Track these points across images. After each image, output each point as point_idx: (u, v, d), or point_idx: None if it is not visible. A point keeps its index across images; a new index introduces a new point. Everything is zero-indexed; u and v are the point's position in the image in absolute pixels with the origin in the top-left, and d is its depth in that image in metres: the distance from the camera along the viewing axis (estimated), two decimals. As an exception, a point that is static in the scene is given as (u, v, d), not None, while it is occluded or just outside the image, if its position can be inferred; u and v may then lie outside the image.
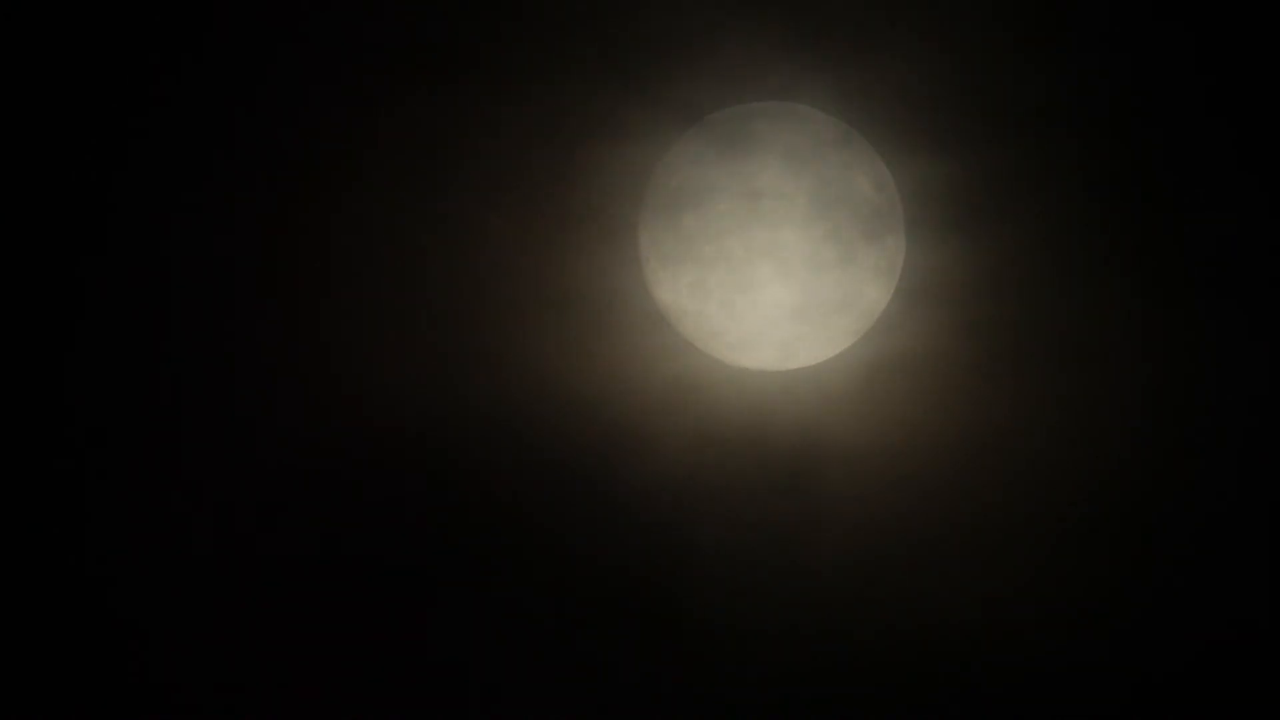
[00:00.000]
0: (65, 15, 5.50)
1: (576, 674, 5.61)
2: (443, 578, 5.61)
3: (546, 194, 5.48)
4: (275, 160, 5.52)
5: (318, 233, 5.54)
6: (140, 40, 5.50)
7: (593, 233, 5.48)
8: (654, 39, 5.42)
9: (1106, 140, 5.45)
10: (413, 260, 5.55)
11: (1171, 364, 5.48)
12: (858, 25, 5.37)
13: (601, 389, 5.50)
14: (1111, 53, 5.40)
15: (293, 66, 5.50)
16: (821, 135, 5.31)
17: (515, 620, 5.61)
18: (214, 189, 5.53)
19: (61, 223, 5.54)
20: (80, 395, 5.56)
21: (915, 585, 5.59)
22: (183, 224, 5.54)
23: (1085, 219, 5.47)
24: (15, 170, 5.52)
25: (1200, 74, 5.42)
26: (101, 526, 5.57)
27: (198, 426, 5.58)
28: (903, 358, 5.50)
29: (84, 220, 5.55)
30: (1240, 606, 5.52)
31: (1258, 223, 5.44)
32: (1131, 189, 5.47)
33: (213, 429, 5.57)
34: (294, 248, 5.54)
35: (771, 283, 5.20)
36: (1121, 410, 5.51)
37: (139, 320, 5.57)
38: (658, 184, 5.36)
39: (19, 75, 5.52)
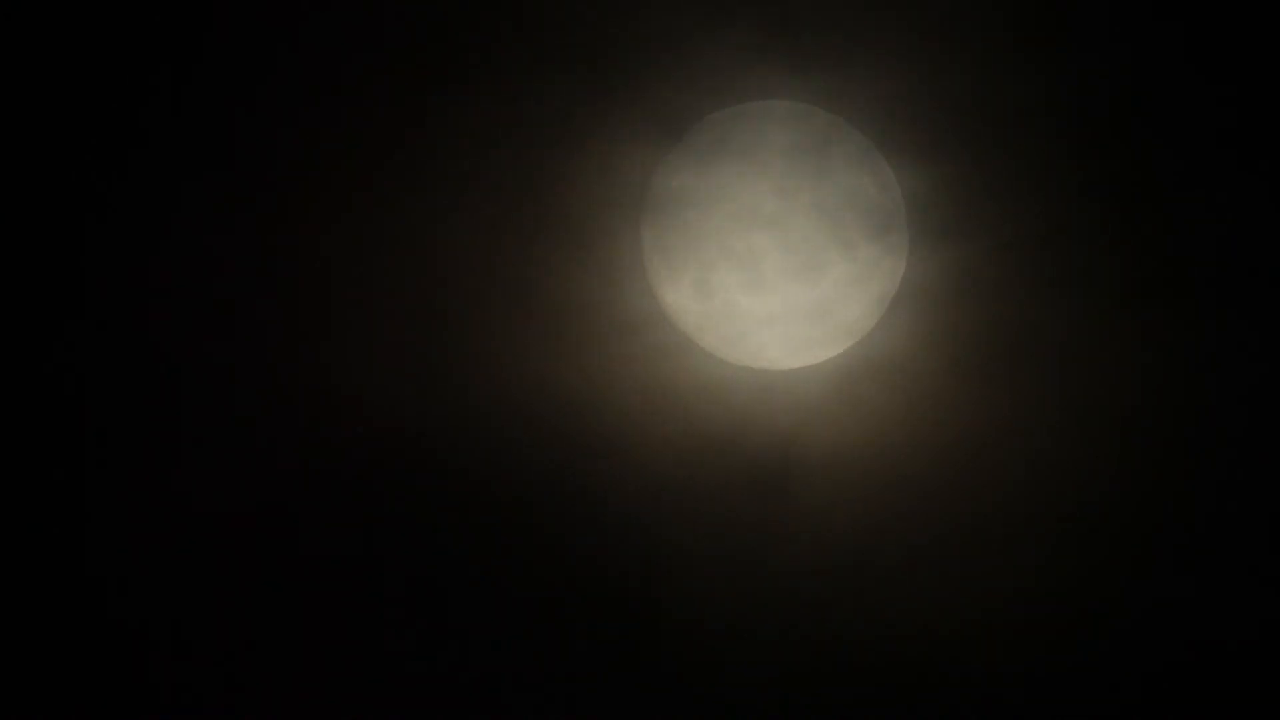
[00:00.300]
0: (68, 18, 5.50)
1: (566, 672, 5.62)
2: (435, 578, 5.62)
3: (549, 195, 5.49)
4: (274, 165, 5.53)
5: (320, 237, 5.54)
6: (127, 52, 5.51)
7: (594, 233, 5.49)
8: (652, 39, 5.42)
9: (1086, 146, 5.45)
10: (412, 262, 5.56)
11: (1155, 367, 5.49)
12: (849, 28, 5.38)
13: (604, 388, 5.51)
14: (1096, 56, 5.40)
15: (290, 71, 5.50)
16: (823, 136, 5.32)
17: (510, 620, 5.62)
18: (208, 194, 5.54)
19: (62, 224, 5.55)
20: (80, 396, 5.57)
21: (914, 586, 5.60)
22: (176, 228, 5.55)
23: (1066, 224, 5.48)
24: (20, 172, 5.54)
25: (1192, 74, 5.43)
26: (101, 527, 5.58)
27: (195, 427, 5.59)
28: (903, 358, 5.51)
29: (85, 223, 5.55)
30: (1231, 613, 5.52)
31: (1244, 227, 5.45)
32: (1111, 195, 5.48)
33: (208, 431, 5.58)
34: (294, 251, 5.54)
35: (774, 282, 5.22)
36: (1106, 414, 5.52)
37: (138, 321, 5.58)
38: (659, 184, 5.37)
39: (32, 77, 5.54)
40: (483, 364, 5.54)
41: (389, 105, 5.50)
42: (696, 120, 5.39)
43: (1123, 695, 5.56)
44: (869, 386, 5.51)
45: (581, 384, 5.50)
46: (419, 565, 5.62)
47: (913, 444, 5.51)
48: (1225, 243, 5.46)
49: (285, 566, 5.60)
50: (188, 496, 5.58)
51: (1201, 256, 5.46)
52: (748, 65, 5.39)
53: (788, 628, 5.61)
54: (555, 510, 5.60)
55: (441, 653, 5.64)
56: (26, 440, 5.56)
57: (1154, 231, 5.48)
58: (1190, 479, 5.52)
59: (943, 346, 5.49)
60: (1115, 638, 5.54)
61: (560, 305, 5.49)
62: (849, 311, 5.35)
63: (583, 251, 5.47)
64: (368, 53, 5.49)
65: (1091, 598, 5.56)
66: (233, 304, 5.55)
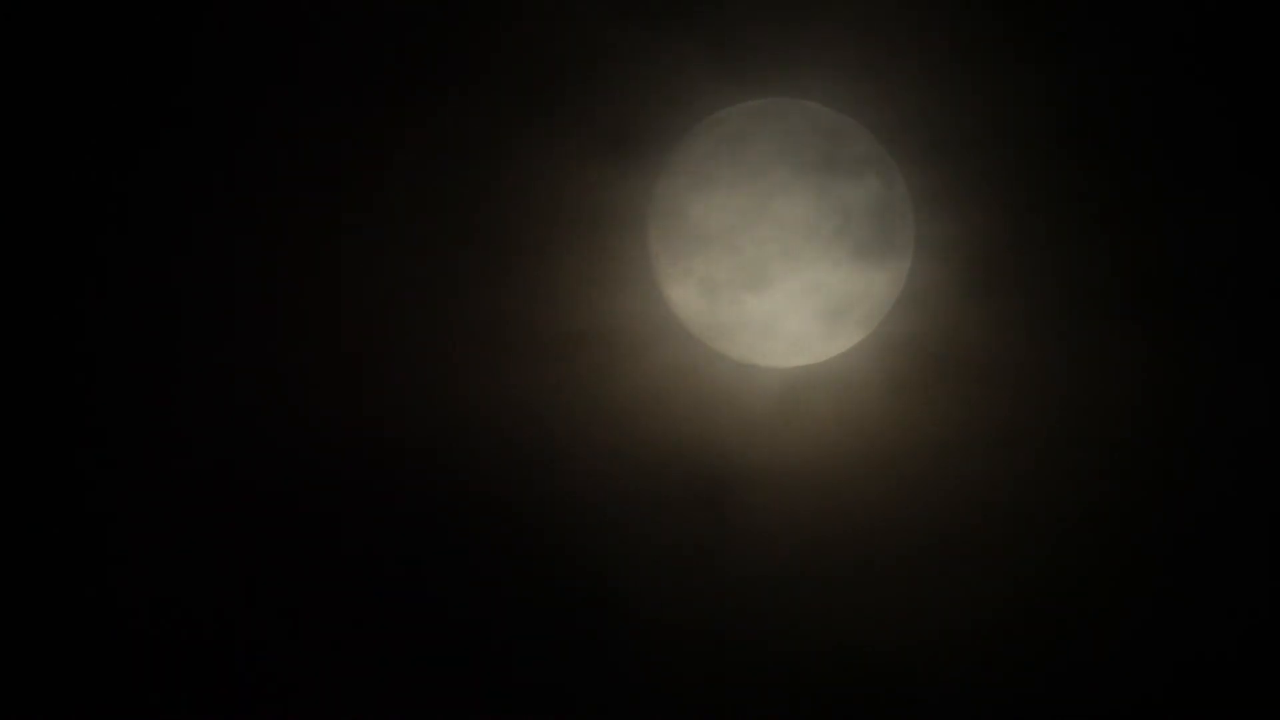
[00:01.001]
0: (76, 27, 5.52)
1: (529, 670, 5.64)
2: (415, 576, 5.63)
3: (556, 196, 5.50)
4: (213, 187, 5.54)
5: (341, 240, 5.56)
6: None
7: (602, 229, 5.51)
8: (653, 39, 5.45)
9: (1029, 161, 5.49)
10: (415, 262, 5.57)
11: (1114, 379, 5.52)
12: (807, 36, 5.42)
13: (615, 386, 5.52)
14: (1035, 70, 5.45)
15: (290, 82, 5.52)
16: (827, 136, 5.35)
17: (484, 616, 5.63)
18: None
19: (72, 229, 5.55)
20: (80, 398, 5.57)
21: (913, 590, 5.61)
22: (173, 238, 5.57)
23: (1022, 236, 5.51)
24: (25, 175, 5.54)
25: (1133, 93, 5.49)
26: (99, 524, 5.58)
27: (191, 428, 5.59)
28: (908, 356, 5.54)
29: (91, 230, 5.57)
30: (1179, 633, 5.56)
31: (1191, 243, 5.50)
32: (1055, 209, 5.51)
33: (202, 433, 5.59)
34: (301, 255, 5.56)
35: (781, 280, 5.24)
36: (1078, 424, 5.55)
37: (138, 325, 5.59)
38: (663, 182, 5.39)
39: (36, 83, 5.54)
40: (418, 379, 5.56)
41: (411, 115, 5.52)
42: (698, 120, 5.43)
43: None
44: (872, 388, 5.54)
45: (591, 385, 5.52)
46: (392, 567, 5.64)
47: (916, 443, 5.53)
48: (1155, 262, 5.51)
49: (256, 569, 5.61)
50: (182, 495, 5.60)
51: (1128, 275, 5.51)
52: (705, 77, 5.43)
53: (736, 632, 5.62)
54: (551, 509, 5.61)
55: (393, 651, 5.64)
56: (34, 441, 5.55)
57: (1079, 251, 5.52)
58: (1153, 490, 5.56)
59: (956, 341, 5.51)
60: (1069, 650, 5.57)
61: (516, 319, 5.52)
62: (857, 309, 5.39)
63: (592, 249, 5.49)
64: (332, 71, 5.52)
65: (1045, 610, 5.58)
66: (174, 324, 5.56)
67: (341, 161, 5.52)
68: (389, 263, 5.55)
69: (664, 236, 5.34)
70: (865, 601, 5.58)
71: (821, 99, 5.40)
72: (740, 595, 5.59)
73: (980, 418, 5.52)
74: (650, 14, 5.40)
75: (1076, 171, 5.51)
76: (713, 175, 5.27)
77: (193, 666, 5.56)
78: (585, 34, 5.42)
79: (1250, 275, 5.50)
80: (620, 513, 5.55)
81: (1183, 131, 5.50)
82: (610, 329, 5.48)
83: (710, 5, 5.41)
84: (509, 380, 5.53)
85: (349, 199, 5.53)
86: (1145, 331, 5.51)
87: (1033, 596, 5.56)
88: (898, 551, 5.57)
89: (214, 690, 5.55)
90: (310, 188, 5.54)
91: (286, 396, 5.55)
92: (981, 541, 5.55)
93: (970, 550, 5.56)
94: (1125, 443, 5.54)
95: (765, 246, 5.22)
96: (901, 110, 5.42)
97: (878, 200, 5.33)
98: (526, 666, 5.60)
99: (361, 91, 5.51)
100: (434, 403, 5.55)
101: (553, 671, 5.60)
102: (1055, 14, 5.44)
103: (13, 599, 5.51)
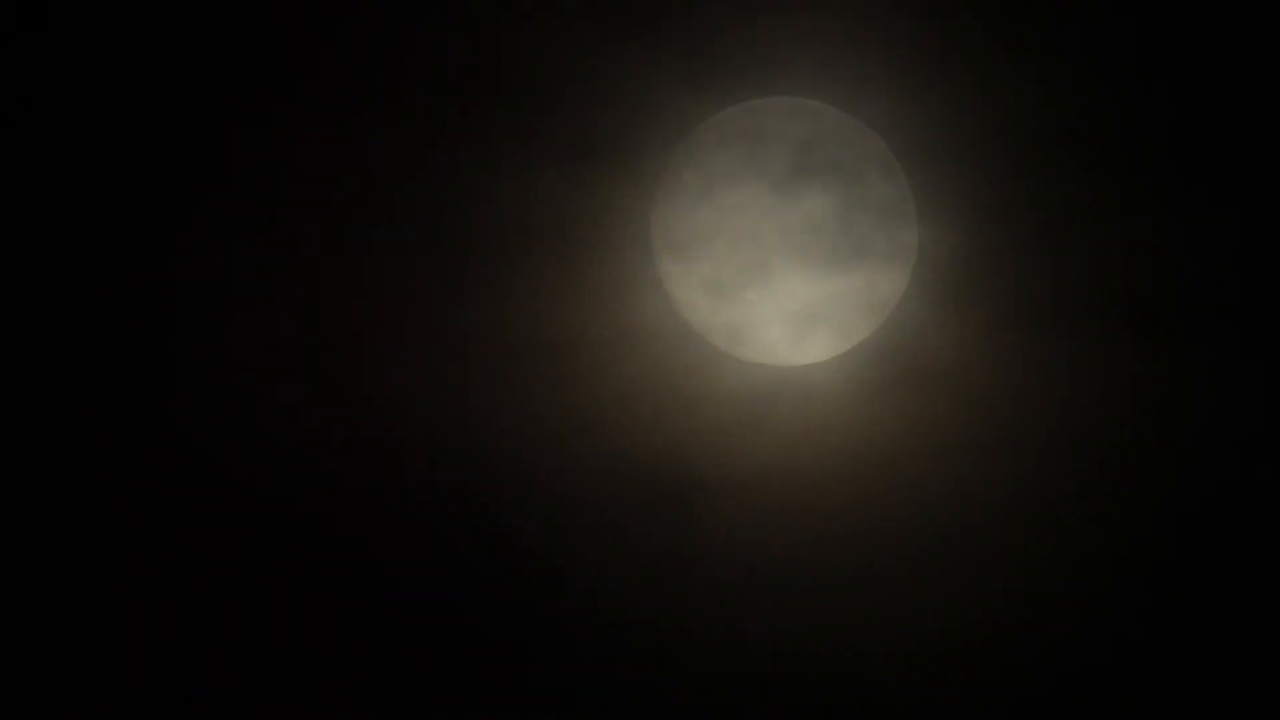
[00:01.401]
0: (81, 32, 5.51)
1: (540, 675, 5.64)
2: (411, 576, 5.63)
3: (563, 197, 5.50)
4: (187, 196, 5.54)
5: (343, 244, 5.56)
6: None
7: (604, 234, 5.51)
8: (652, 43, 5.45)
9: (1028, 163, 5.51)
10: (413, 266, 5.57)
11: (1087, 388, 5.54)
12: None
13: (621, 382, 5.52)
14: (1034, 71, 5.46)
15: (285, 94, 5.51)
16: (825, 139, 5.35)
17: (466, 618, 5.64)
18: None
19: (73, 228, 5.54)
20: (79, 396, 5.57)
21: (908, 592, 5.62)
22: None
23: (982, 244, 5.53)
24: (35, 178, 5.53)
25: (1132, 93, 5.50)
26: (98, 524, 5.57)
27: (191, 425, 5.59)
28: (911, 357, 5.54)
29: (97, 234, 5.56)
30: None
31: (1189, 244, 5.53)
32: (1052, 211, 5.53)
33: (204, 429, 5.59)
34: (302, 259, 5.55)
35: (783, 279, 5.25)
36: (1058, 429, 5.56)
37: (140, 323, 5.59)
38: (659, 187, 5.40)
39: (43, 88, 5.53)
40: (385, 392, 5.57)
41: (416, 117, 5.52)
42: (699, 121, 5.43)
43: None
44: (872, 388, 5.55)
45: (598, 387, 5.51)
46: (390, 568, 5.64)
47: (916, 446, 5.55)
48: (1190, 255, 5.53)
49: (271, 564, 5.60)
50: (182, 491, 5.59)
51: (1162, 271, 5.53)
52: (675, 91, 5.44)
53: (733, 634, 5.63)
54: (508, 514, 5.62)
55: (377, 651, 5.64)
56: (28, 440, 5.54)
57: (1110, 247, 5.53)
58: (1150, 492, 5.58)
59: (961, 344, 5.52)
60: (1035, 659, 5.59)
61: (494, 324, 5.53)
62: (861, 308, 5.40)
63: (597, 247, 5.49)
64: (331, 83, 5.52)
65: (1023, 615, 5.58)
66: (173, 326, 5.56)
67: (345, 167, 5.52)
68: (390, 267, 5.55)
69: (651, 242, 5.35)
70: (863, 603, 5.59)
71: (821, 100, 5.41)
72: (739, 596, 5.60)
73: (979, 421, 5.53)
74: (648, 18, 5.41)
75: (1076, 172, 5.52)
76: (710, 178, 5.27)
77: (192, 665, 5.55)
78: (581, 42, 5.42)
79: (1249, 276, 5.52)
80: (619, 514, 5.56)
81: (1180, 132, 5.51)
82: (609, 331, 5.49)
83: (710, 9, 5.42)
84: (505, 383, 5.54)
85: (353, 203, 5.53)
86: (1142, 333, 5.52)
87: (1012, 602, 5.57)
88: (898, 552, 5.58)
89: (213, 689, 5.55)
90: (310, 194, 5.55)
91: (287, 399, 5.55)
92: (980, 543, 5.56)
93: (966, 551, 5.57)
94: (1122, 444, 5.55)
95: (759, 249, 5.23)
96: (904, 112, 5.42)
97: (877, 203, 5.35)
98: (517, 666, 5.60)
99: (367, 102, 5.51)
100: (430, 403, 5.54)
101: (544, 671, 5.60)
102: (1054, 14, 5.45)
103: (13, 598, 5.51)
